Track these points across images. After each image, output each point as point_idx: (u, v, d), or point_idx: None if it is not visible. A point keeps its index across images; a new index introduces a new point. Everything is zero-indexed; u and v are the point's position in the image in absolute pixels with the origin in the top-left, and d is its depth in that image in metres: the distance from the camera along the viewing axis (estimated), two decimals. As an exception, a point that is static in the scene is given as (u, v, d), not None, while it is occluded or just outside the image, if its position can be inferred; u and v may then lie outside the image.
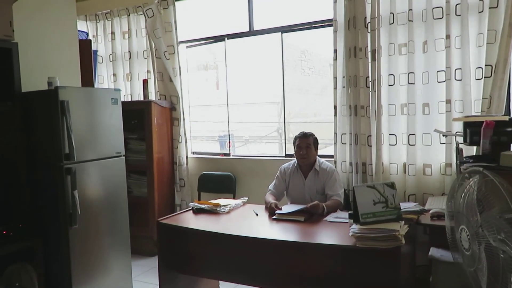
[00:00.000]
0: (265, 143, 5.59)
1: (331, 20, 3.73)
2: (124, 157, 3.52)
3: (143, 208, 4.42)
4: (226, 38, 4.59)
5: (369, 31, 3.53)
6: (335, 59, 3.72)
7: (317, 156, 3.34)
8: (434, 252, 2.61)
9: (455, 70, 3.27)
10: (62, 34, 3.66)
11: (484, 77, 3.14)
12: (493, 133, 2.57)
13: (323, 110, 4.62)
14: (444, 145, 3.36)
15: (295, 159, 3.40)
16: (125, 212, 3.52)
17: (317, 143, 3.35)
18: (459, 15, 3.22)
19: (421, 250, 2.94)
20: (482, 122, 2.59)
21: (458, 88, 3.28)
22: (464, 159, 2.78)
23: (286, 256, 2.61)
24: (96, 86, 4.77)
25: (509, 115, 3.06)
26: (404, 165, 3.53)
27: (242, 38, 4.56)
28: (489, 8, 3.06)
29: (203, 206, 3.24)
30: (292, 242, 2.60)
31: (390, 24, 3.48)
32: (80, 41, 3.93)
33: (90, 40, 4.62)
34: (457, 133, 3.12)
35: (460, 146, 2.92)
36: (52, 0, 3.61)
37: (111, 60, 5.10)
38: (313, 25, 4.13)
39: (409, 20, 3.38)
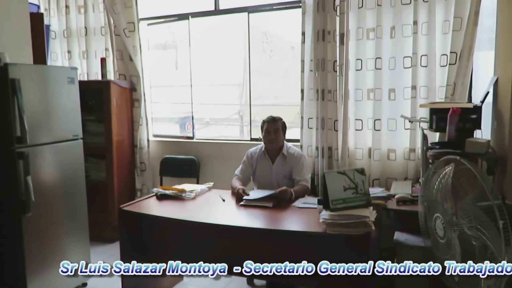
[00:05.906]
0: (226, 125, 5.48)
1: (299, 1, 3.65)
2: (81, 140, 3.33)
3: (101, 193, 4.23)
4: (190, 17, 4.41)
5: (338, 14, 3.48)
6: (303, 42, 3.65)
7: (284, 141, 3.30)
8: (399, 236, 2.64)
9: (421, 56, 3.30)
10: (11, 6, 3.36)
11: (449, 64, 3.19)
12: (458, 119, 2.62)
13: (285, 93, 4.57)
14: (409, 130, 3.40)
15: (262, 143, 3.34)
16: (83, 198, 3.35)
17: (285, 128, 3.30)
18: (427, 1, 3.23)
19: (385, 234, 2.98)
20: (448, 109, 2.63)
21: (423, 74, 3.32)
22: (430, 145, 2.83)
23: (255, 243, 2.56)
24: (49, 64, 4.46)
25: (471, 102, 3.12)
26: (370, 150, 3.56)
27: (207, 17, 4.39)
28: (456, -5, 3.09)
29: (167, 192, 3.13)
30: (262, 229, 2.55)
31: (359, 8, 3.45)
32: (31, 14, 3.63)
33: (42, 14, 4.29)
34: (422, 119, 3.15)
35: (425, 132, 2.97)
36: (0, -32, 3.29)
37: (65, 36, 4.77)
38: (281, 6, 4.03)
39: (377, 5, 3.37)
